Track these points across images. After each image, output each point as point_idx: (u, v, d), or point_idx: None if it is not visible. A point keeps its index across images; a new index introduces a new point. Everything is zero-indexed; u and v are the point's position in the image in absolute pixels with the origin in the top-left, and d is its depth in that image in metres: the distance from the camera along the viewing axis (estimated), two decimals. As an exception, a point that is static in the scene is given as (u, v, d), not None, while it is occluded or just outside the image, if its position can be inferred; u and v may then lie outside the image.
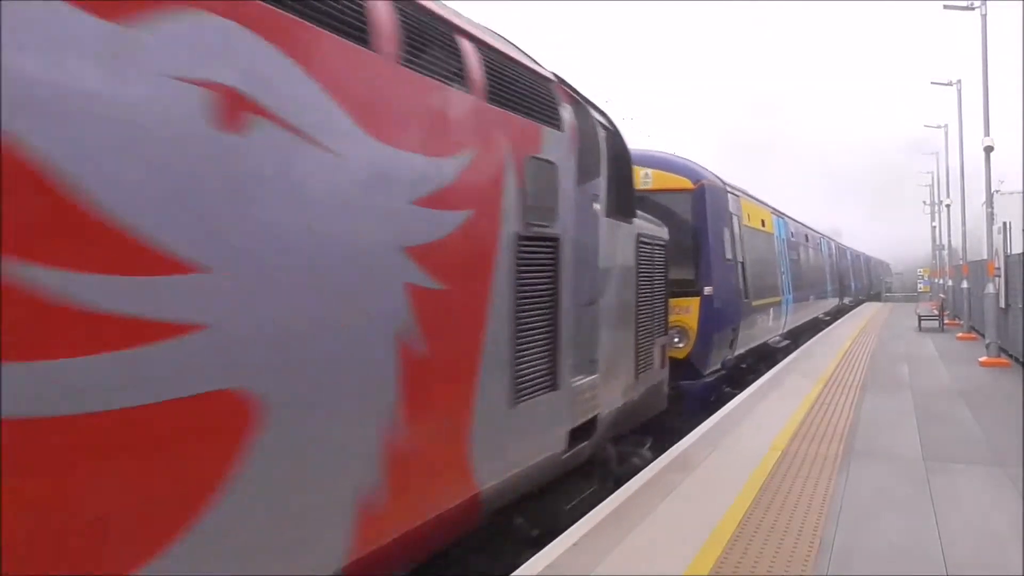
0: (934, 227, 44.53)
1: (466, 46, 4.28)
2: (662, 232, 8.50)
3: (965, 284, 22.39)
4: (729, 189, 12.75)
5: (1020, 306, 13.71)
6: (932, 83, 26.40)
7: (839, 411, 9.51)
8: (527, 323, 4.79)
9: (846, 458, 7.07)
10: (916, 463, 6.92)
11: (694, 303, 10.37)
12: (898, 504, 5.72)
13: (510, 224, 4.55)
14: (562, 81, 5.82)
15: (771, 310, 15.49)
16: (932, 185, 42.99)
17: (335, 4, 3.14)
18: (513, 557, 5.07)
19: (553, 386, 5.16)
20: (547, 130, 5.14)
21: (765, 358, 15.09)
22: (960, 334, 21.04)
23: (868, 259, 56.54)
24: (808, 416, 9.18)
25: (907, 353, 16.67)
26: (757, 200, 16.00)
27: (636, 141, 8.58)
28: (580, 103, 6.05)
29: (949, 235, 35.40)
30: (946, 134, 32.10)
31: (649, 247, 7.75)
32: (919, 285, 53.64)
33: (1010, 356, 14.77)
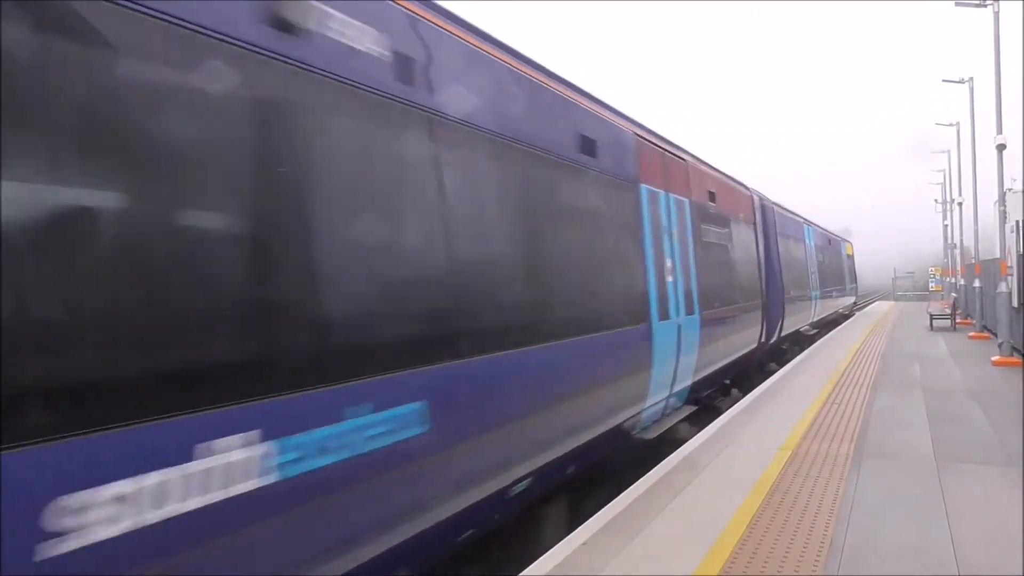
0: (946, 225, 44.20)
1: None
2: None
3: (977, 283, 22.22)
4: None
5: (1033, 305, 13.60)
6: (944, 81, 26.23)
7: (850, 410, 9.46)
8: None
9: (857, 458, 7.03)
10: (928, 463, 6.88)
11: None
12: (909, 504, 5.68)
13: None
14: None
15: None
16: (944, 183, 42.71)
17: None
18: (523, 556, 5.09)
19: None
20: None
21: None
22: (972, 333, 20.88)
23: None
24: (819, 415, 9.14)
25: (919, 352, 16.57)
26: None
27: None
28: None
29: (961, 233, 35.17)
30: (958, 132, 31.90)
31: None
32: (931, 284, 53.23)
33: (1023, 355, 14.65)
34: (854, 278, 37.59)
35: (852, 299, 35.04)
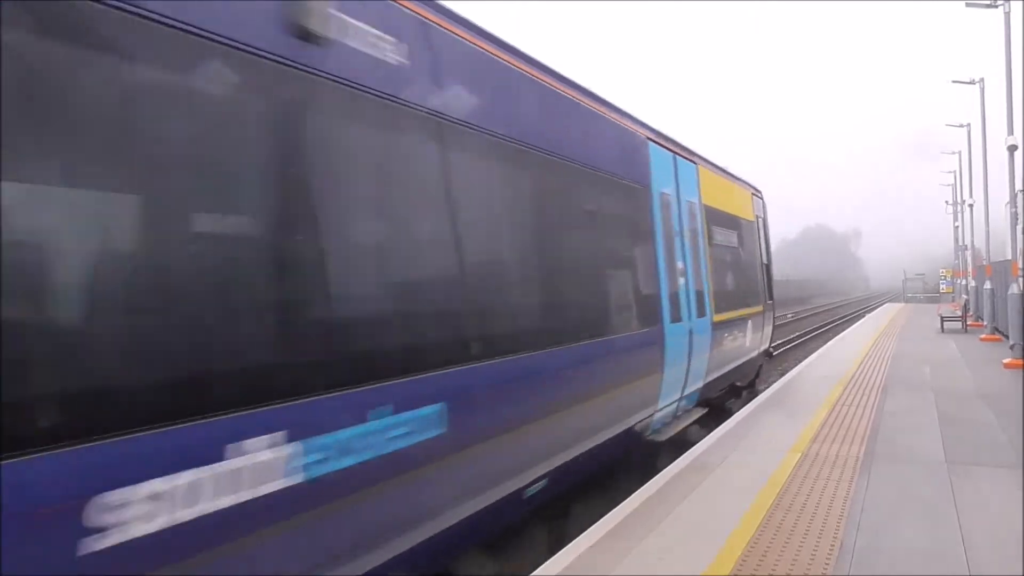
0: (956, 227, 43.97)
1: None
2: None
3: (988, 285, 22.09)
4: None
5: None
6: (953, 82, 26.08)
7: (860, 413, 9.43)
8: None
9: (867, 460, 7.02)
10: (938, 465, 6.86)
11: None
12: (920, 507, 5.67)
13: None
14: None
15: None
16: (955, 184, 42.48)
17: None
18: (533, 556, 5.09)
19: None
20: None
21: None
22: (984, 335, 20.77)
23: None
24: (829, 418, 9.12)
25: (929, 355, 16.49)
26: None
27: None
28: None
29: (972, 235, 34.97)
30: (968, 133, 31.72)
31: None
32: (941, 286, 52.92)
33: (1035, 358, 14.56)
34: (760, 287, 13.27)
35: (755, 346, 12.63)
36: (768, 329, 13.81)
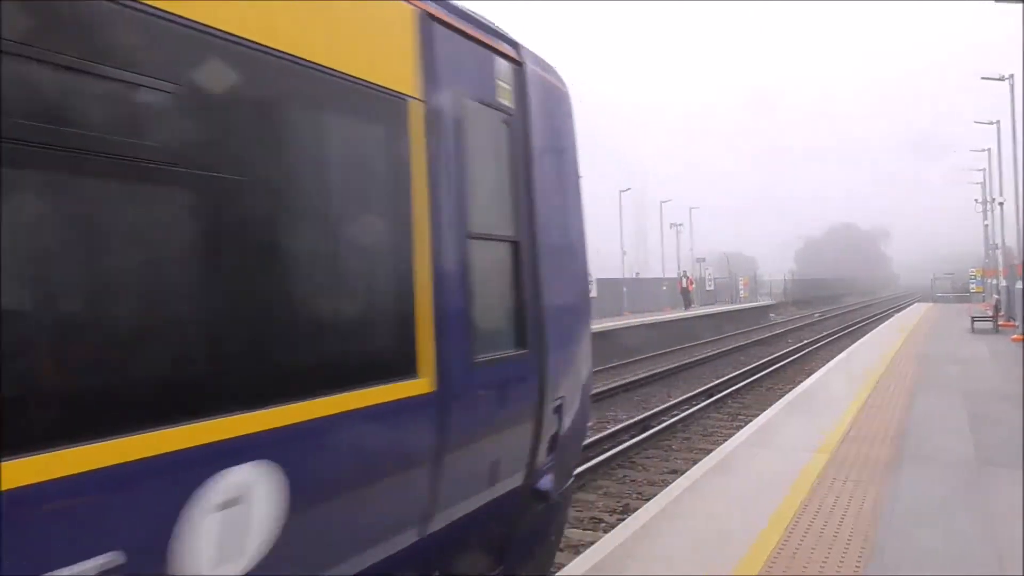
0: (987, 226, 43.20)
1: None
2: None
3: (1020, 284, 21.71)
4: None
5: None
6: (983, 78, 25.68)
7: (889, 414, 9.33)
8: None
9: (896, 461, 6.95)
10: (969, 467, 6.77)
11: None
12: (951, 509, 5.61)
13: None
14: None
15: None
16: (984, 182, 41.76)
17: None
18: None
19: None
20: None
21: None
22: (1016, 336, 20.42)
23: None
24: (857, 419, 9.04)
25: (959, 355, 16.26)
26: None
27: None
28: None
29: (1003, 234, 34.38)
30: (998, 130, 31.17)
31: None
32: (971, 285, 52.02)
33: (1068, 358, 14.30)
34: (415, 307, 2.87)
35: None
36: (525, 430, 3.71)
